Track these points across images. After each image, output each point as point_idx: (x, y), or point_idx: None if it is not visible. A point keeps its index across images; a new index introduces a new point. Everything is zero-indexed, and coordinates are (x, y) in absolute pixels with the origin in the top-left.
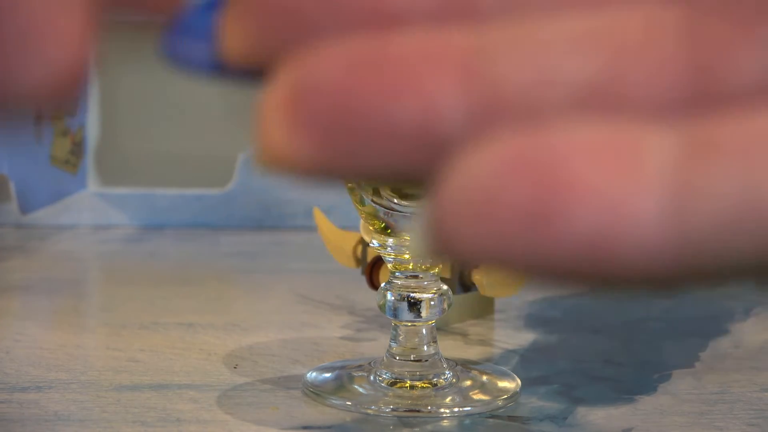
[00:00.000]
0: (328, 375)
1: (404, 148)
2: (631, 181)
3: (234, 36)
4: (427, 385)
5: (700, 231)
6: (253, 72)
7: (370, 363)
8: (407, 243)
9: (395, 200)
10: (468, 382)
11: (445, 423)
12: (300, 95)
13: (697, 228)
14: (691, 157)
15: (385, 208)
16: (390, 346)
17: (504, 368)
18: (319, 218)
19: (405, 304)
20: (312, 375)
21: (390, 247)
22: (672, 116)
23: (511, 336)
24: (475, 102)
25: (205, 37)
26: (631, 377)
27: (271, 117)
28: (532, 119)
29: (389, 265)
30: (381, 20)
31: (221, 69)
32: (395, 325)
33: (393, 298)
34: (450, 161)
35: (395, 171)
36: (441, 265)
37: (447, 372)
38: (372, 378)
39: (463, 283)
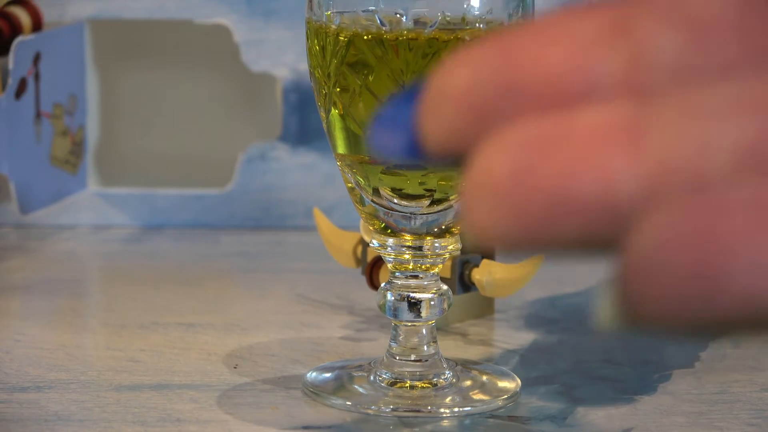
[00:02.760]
0: (328, 375)
1: (587, 221)
2: None
3: (431, 127)
4: (427, 385)
5: None
6: (450, 157)
7: (370, 363)
8: (601, 310)
9: (395, 200)
10: (468, 382)
11: (445, 423)
12: (489, 182)
13: None
14: None
15: (385, 208)
16: (390, 346)
17: (504, 368)
18: (319, 218)
19: (405, 304)
20: (312, 375)
21: (390, 247)
22: None
23: (511, 336)
24: (645, 172)
25: (406, 128)
26: (631, 377)
27: (472, 201)
28: (697, 185)
29: (389, 265)
30: (563, 101)
31: (422, 156)
32: (395, 325)
33: (393, 298)
34: (628, 231)
35: (581, 242)
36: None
37: (447, 372)
38: (372, 378)
39: (463, 283)
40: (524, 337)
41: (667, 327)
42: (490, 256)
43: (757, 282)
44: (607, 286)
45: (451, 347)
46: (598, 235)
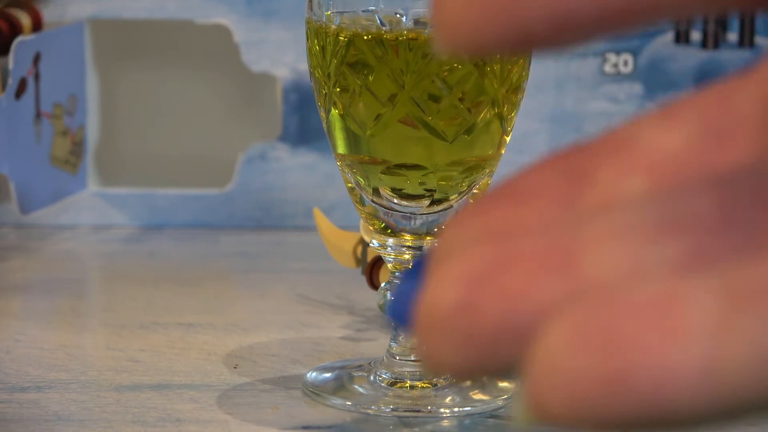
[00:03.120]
0: (328, 375)
1: (517, 346)
2: (675, 340)
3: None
4: (427, 385)
5: (738, 380)
6: None
7: (370, 363)
8: (515, 416)
9: (395, 200)
10: (468, 382)
11: (445, 423)
12: (436, 315)
13: (734, 378)
14: (726, 310)
15: (385, 208)
16: (390, 346)
17: None
18: (319, 218)
19: None
20: (312, 375)
21: (390, 247)
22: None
23: None
24: (574, 295)
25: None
26: None
27: (423, 334)
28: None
29: (389, 265)
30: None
31: None
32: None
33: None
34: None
35: (511, 363)
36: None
37: None
38: (372, 378)
39: None
40: None
41: (578, 426)
42: None
43: (663, 381)
44: (521, 388)
45: None
46: (518, 355)
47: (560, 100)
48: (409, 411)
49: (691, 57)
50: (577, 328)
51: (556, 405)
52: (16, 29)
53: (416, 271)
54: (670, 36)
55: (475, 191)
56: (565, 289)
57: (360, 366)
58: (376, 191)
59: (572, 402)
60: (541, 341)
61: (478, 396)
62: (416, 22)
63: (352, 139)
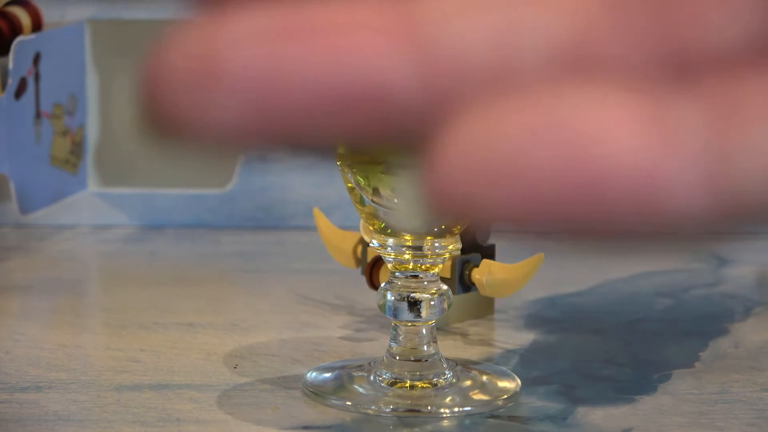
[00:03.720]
0: (328, 375)
1: (352, 118)
2: (665, 150)
3: None
4: (427, 385)
5: (740, 190)
6: None
7: (370, 363)
8: (392, 213)
9: (395, 200)
10: (468, 382)
11: (445, 423)
12: (221, 69)
13: (736, 188)
14: (718, 123)
15: (385, 208)
16: (390, 346)
17: (504, 368)
18: (319, 218)
19: (405, 304)
20: (312, 375)
21: (390, 247)
22: (664, 79)
23: (511, 336)
24: (428, 66)
25: None
26: (631, 377)
27: (199, 95)
28: (505, 85)
29: (389, 265)
30: None
31: None
32: (395, 325)
33: (393, 298)
34: (420, 128)
35: (348, 141)
36: (446, 232)
37: (447, 372)
38: (372, 378)
39: (463, 283)
40: (524, 337)
41: (512, 223)
42: (490, 256)
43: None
44: (417, 186)
45: (451, 347)
46: (368, 133)
47: None
48: (409, 411)
49: None
50: (534, 122)
51: (489, 202)
52: (16, 29)
53: None
54: None
55: None
56: (411, 54)
57: (360, 366)
58: (376, 191)
59: (516, 199)
60: (459, 130)
61: (478, 396)
62: None
63: None
